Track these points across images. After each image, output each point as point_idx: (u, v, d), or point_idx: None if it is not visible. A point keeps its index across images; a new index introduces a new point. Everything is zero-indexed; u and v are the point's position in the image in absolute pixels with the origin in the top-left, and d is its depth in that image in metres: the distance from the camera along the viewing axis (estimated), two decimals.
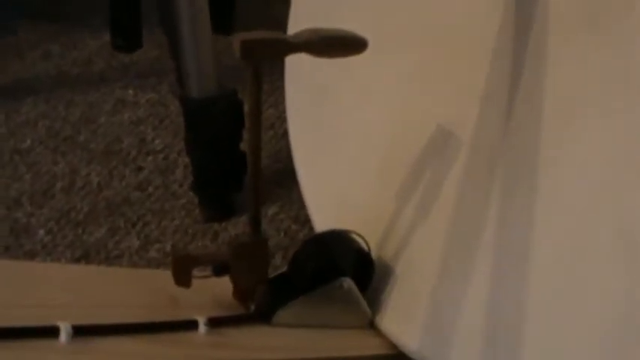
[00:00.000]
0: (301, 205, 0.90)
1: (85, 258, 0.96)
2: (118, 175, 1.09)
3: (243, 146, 1.01)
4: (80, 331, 0.55)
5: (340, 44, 0.60)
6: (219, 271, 0.66)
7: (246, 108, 1.12)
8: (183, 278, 0.64)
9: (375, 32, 0.80)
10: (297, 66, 0.93)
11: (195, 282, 0.65)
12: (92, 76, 1.33)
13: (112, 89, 1.29)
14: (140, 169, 1.10)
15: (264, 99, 1.25)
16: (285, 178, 1.06)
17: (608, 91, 0.62)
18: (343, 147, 0.84)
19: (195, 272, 0.65)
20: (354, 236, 0.73)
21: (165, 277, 0.65)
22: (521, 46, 0.67)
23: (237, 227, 1.01)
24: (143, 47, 1.34)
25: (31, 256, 0.97)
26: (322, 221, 0.84)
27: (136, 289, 0.66)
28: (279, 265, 0.95)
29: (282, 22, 0.95)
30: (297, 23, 0.93)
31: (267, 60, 0.58)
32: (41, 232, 1.01)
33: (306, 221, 0.92)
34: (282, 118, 1.15)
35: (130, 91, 1.28)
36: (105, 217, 1.02)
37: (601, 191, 0.61)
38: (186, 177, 1.07)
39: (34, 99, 1.27)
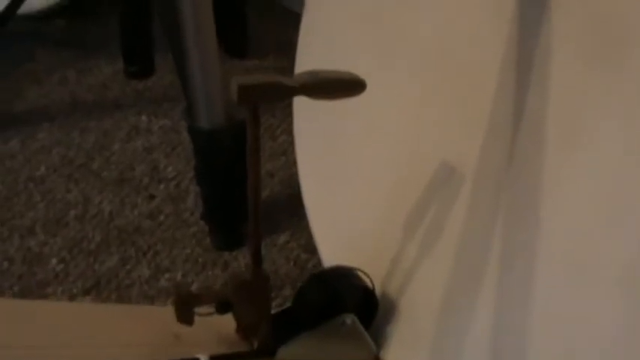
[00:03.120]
0: (311, 233, 0.90)
1: (96, 287, 0.97)
2: (129, 203, 1.10)
3: None
4: None
5: (338, 87, 0.60)
6: (222, 308, 0.66)
7: None
8: (185, 316, 0.64)
9: (380, 65, 0.81)
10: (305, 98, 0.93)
11: (198, 319, 0.66)
12: (106, 102, 1.34)
13: (126, 115, 1.30)
14: (152, 197, 1.11)
15: (276, 125, 1.27)
16: (296, 205, 1.06)
17: (610, 122, 0.62)
18: (350, 180, 0.84)
19: (199, 310, 0.65)
20: (359, 273, 0.73)
21: (168, 313, 0.66)
22: (525, 77, 0.67)
23: (247, 257, 1.01)
24: (156, 73, 1.36)
25: (43, 285, 0.98)
26: (329, 252, 0.84)
27: (138, 327, 0.66)
28: (288, 296, 0.95)
29: (293, 46, 0.95)
30: (306, 48, 0.94)
31: (264, 104, 0.58)
32: (54, 261, 1.02)
33: (316, 250, 0.92)
34: (294, 145, 1.15)
35: (144, 118, 1.29)
36: (116, 246, 1.03)
37: (606, 227, 0.61)
38: (197, 205, 1.08)
39: (50, 125, 1.28)
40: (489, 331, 0.66)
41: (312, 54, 0.93)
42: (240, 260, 1.00)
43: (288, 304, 0.73)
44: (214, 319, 0.67)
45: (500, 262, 0.67)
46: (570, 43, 0.65)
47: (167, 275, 0.98)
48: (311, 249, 1.01)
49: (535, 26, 0.67)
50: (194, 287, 0.96)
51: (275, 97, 0.58)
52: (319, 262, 0.90)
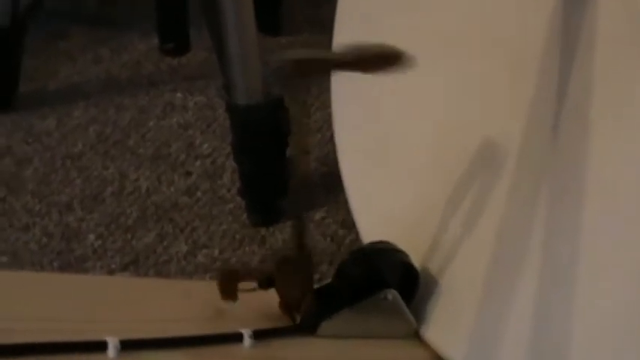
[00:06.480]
0: (348, 209, 0.90)
1: (134, 263, 0.98)
2: (166, 179, 1.11)
3: (289, 152, 1.01)
4: (128, 346, 0.56)
5: (388, 61, 0.60)
6: (264, 284, 0.67)
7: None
8: (229, 292, 0.65)
9: (421, 42, 0.80)
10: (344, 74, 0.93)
11: (241, 294, 0.66)
12: (141, 79, 1.35)
13: (161, 92, 1.30)
14: (188, 173, 1.12)
15: (311, 102, 1.27)
16: (332, 182, 1.06)
17: None
18: (390, 155, 0.84)
19: (241, 285, 0.66)
20: (400, 248, 0.73)
21: (211, 288, 0.66)
22: (569, 57, 0.66)
23: (284, 232, 1.01)
24: (191, 50, 1.35)
25: (82, 260, 0.99)
26: (368, 229, 0.84)
27: (182, 302, 0.67)
28: (325, 272, 0.95)
29: (328, 23, 0.95)
30: (343, 25, 0.93)
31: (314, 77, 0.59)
32: (91, 236, 1.02)
33: (353, 226, 0.92)
34: (329, 121, 1.14)
35: (179, 95, 1.29)
36: (154, 222, 1.04)
37: None
38: (233, 181, 1.08)
39: (85, 103, 1.28)
40: (530, 314, 0.66)
41: (350, 30, 0.92)
42: (277, 236, 1.01)
43: (326, 280, 0.73)
44: (257, 294, 0.67)
45: (543, 245, 0.66)
46: (617, 23, 0.64)
47: (204, 251, 0.99)
48: (348, 225, 1.01)
49: (580, 6, 0.66)
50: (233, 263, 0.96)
51: (326, 71, 0.58)
52: (356, 238, 0.90)
